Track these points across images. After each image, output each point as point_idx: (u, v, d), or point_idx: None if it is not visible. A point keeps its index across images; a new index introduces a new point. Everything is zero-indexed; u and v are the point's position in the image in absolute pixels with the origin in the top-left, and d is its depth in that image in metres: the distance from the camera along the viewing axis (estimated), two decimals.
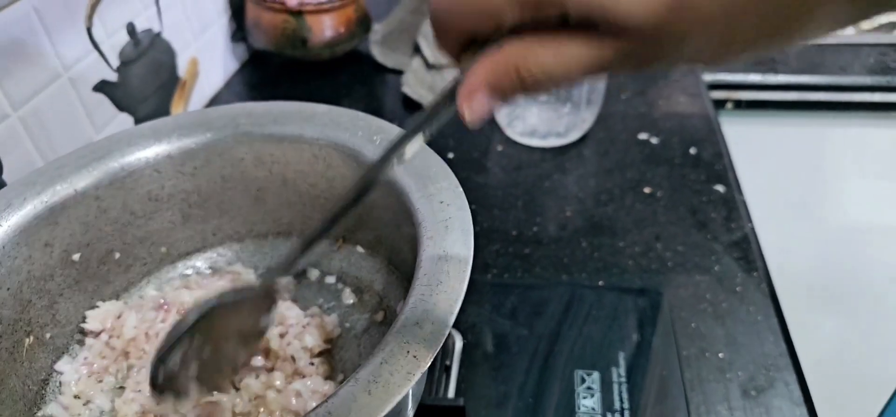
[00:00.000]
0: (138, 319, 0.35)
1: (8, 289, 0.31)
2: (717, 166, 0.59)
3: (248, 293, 0.26)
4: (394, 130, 0.34)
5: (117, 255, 0.37)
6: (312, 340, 0.33)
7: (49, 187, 0.33)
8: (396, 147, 0.20)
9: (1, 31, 0.46)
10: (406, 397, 0.27)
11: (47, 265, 0.33)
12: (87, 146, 0.35)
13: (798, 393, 0.40)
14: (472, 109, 0.17)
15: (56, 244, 0.33)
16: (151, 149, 0.36)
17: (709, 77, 0.72)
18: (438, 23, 0.17)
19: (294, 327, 0.34)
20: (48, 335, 0.33)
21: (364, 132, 0.34)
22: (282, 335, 0.34)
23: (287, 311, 0.34)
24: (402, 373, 0.21)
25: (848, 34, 0.75)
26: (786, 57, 0.74)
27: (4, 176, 0.47)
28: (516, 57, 0.16)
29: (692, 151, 0.61)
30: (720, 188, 0.56)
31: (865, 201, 0.76)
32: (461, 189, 0.29)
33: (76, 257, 0.34)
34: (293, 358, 0.33)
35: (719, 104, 0.72)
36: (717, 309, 0.46)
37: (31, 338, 0.32)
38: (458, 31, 0.17)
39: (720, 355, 0.43)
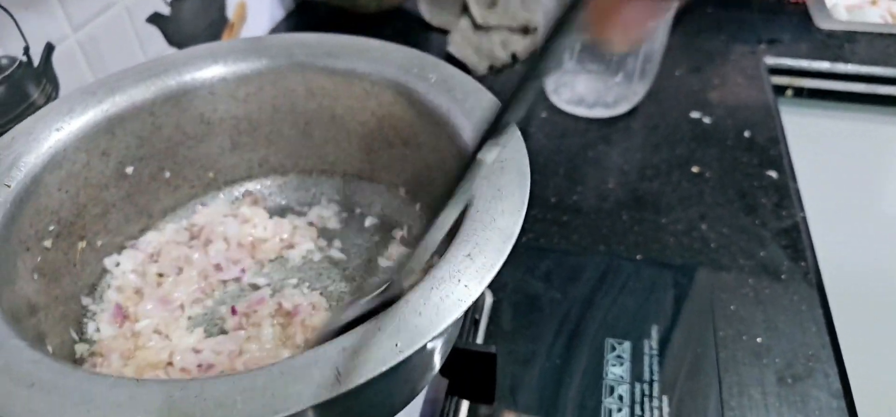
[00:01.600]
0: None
1: (67, 192, 0.32)
2: (772, 151, 0.56)
3: None
4: (448, 69, 0.34)
5: (167, 174, 0.37)
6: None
7: (108, 98, 0.34)
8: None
9: None
10: (444, 333, 0.27)
11: (103, 175, 0.34)
12: (147, 63, 0.36)
13: (837, 386, 0.39)
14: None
15: (112, 155, 0.34)
16: (207, 70, 0.36)
17: (771, 61, 0.69)
18: None
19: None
20: (99, 243, 0.35)
21: (418, 70, 0.34)
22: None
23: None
24: (452, 300, 0.21)
25: None
26: (855, 46, 0.70)
27: (61, 94, 0.48)
28: None
29: (746, 134, 0.59)
30: (773, 174, 0.54)
31: None
32: (518, 132, 0.28)
33: (129, 170, 0.35)
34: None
35: (779, 91, 0.69)
36: (759, 294, 0.44)
37: (84, 243, 0.33)
38: None
39: (758, 339, 0.41)
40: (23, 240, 0.29)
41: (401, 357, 0.19)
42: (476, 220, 0.24)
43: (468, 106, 0.30)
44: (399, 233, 0.38)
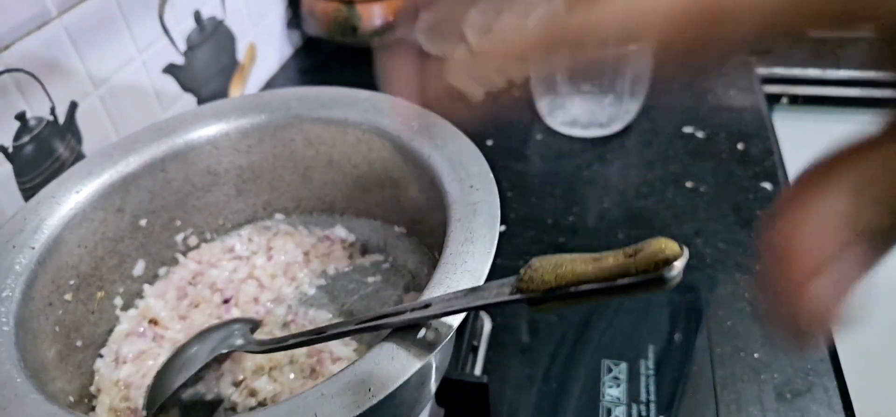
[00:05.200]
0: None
1: (86, 248, 0.35)
2: (767, 162, 0.57)
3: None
4: (429, 116, 0.35)
5: (178, 222, 0.40)
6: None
7: (123, 159, 0.37)
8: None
9: (86, 17, 0.50)
10: (429, 367, 0.28)
11: (119, 228, 0.37)
12: (157, 124, 0.39)
13: (838, 401, 0.39)
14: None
15: (127, 210, 0.37)
16: (212, 127, 0.39)
17: (763, 71, 0.69)
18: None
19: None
20: (117, 291, 0.38)
21: (402, 118, 0.36)
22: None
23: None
24: (423, 344, 0.23)
25: None
26: (845, 51, 0.70)
27: (84, 146, 0.52)
28: None
29: (740, 146, 0.59)
30: (768, 186, 0.54)
31: None
32: (491, 175, 0.30)
33: (143, 222, 0.38)
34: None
35: (774, 99, 0.69)
36: (755, 309, 0.45)
37: (102, 292, 0.36)
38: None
39: (756, 355, 0.42)
40: (46, 296, 0.31)
41: (373, 401, 0.21)
42: (447, 263, 0.26)
43: (447, 151, 0.32)
44: (401, 278, 0.39)
